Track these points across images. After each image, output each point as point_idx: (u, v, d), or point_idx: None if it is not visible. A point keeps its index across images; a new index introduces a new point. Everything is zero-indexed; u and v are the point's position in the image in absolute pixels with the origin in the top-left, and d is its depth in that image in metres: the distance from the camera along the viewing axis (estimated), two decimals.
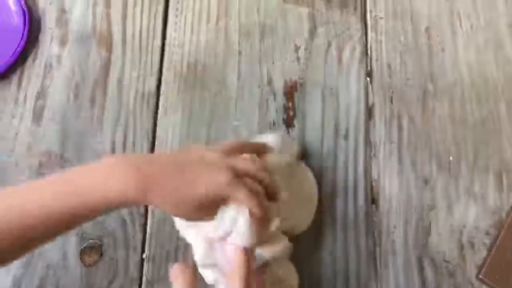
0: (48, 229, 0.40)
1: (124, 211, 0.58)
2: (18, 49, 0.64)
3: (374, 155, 0.62)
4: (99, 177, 0.40)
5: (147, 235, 0.58)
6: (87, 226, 0.58)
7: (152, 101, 0.63)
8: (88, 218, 0.42)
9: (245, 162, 0.46)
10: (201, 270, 0.47)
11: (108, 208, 0.41)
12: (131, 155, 0.51)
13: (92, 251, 0.57)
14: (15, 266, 0.56)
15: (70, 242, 0.57)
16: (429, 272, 0.57)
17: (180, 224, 0.48)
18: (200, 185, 0.42)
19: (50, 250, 0.57)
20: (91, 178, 0.40)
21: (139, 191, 0.40)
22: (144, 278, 0.56)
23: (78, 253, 0.57)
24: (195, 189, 0.42)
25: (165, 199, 0.41)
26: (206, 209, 0.43)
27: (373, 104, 0.64)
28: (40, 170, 0.60)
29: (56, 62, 0.65)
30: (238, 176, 0.43)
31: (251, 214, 0.44)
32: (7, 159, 0.61)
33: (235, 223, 0.44)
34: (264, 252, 0.49)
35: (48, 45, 0.66)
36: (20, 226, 0.39)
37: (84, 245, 0.57)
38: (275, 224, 0.48)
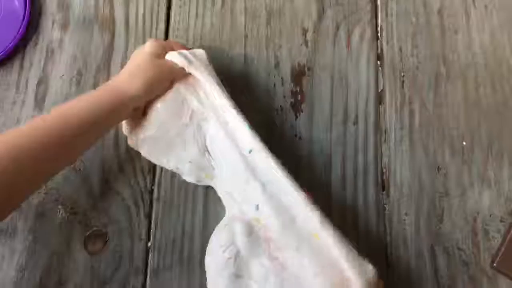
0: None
1: (130, 200, 0.57)
2: (19, 34, 0.63)
3: (385, 141, 0.60)
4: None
5: (152, 224, 0.57)
6: (92, 214, 0.57)
7: None
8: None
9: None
10: None
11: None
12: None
13: (96, 239, 0.56)
14: (19, 254, 0.55)
15: (74, 229, 0.56)
16: (441, 261, 0.55)
17: None
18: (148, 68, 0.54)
19: (54, 238, 0.56)
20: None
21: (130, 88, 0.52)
22: (149, 267, 0.55)
23: (82, 241, 0.56)
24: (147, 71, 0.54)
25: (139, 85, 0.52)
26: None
27: (383, 89, 0.62)
28: None
29: (58, 47, 0.63)
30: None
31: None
32: None
33: None
34: None
35: (50, 30, 0.64)
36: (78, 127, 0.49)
37: (88, 233, 0.56)
38: None
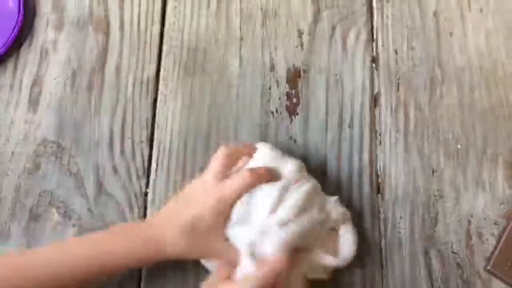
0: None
1: (124, 204, 0.57)
2: (13, 35, 0.62)
3: (380, 143, 0.60)
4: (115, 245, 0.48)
5: None
6: (86, 218, 0.56)
7: (151, 88, 0.62)
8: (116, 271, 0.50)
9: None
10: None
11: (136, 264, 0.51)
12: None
13: None
14: None
15: (68, 233, 0.56)
16: (436, 264, 0.55)
17: None
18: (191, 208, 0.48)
19: (48, 241, 0.55)
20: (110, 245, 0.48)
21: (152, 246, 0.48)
22: (143, 273, 0.55)
23: None
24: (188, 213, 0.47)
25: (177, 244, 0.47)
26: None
27: (378, 91, 0.62)
28: (37, 159, 0.58)
29: (52, 48, 0.63)
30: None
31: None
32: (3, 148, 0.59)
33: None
34: None
35: (44, 31, 0.64)
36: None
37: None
38: None
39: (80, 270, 0.46)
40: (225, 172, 0.49)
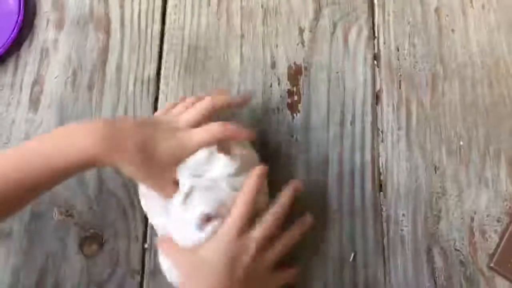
0: (16, 194, 0.44)
1: (126, 202, 0.57)
2: (13, 34, 0.62)
3: (382, 141, 0.60)
4: (61, 139, 0.44)
5: (148, 225, 0.56)
6: (87, 216, 0.56)
7: (152, 86, 0.61)
8: (53, 179, 0.45)
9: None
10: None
11: (72, 169, 0.44)
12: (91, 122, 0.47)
13: (92, 242, 0.55)
14: (14, 256, 0.55)
15: (70, 232, 0.56)
16: (439, 262, 0.55)
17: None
18: (162, 146, 0.45)
19: (50, 240, 0.55)
20: (54, 140, 0.44)
21: (102, 150, 0.43)
22: (146, 269, 0.55)
23: (78, 244, 0.55)
24: (157, 148, 0.45)
25: (129, 160, 0.44)
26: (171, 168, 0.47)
27: (380, 89, 0.62)
28: None
29: (53, 47, 0.63)
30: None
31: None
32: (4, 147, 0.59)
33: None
34: None
35: (44, 30, 0.64)
36: None
37: (84, 235, 0.56)
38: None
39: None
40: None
